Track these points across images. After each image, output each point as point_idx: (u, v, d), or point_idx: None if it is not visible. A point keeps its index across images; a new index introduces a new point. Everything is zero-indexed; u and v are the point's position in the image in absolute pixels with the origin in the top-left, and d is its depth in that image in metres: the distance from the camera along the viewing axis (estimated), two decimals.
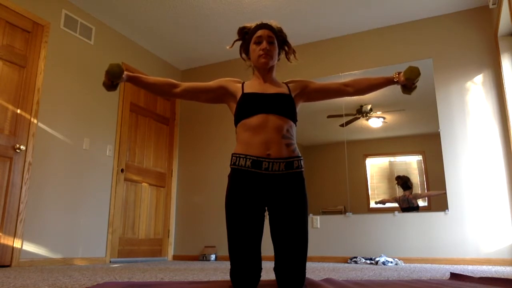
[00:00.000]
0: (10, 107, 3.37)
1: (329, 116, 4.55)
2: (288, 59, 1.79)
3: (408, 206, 4.03)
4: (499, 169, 3.72)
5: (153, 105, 5.05)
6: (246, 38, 1.74)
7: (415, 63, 4.27)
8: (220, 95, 1.74)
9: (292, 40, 1.81)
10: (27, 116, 3.49)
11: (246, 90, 1.67)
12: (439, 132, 4.02)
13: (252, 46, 1.70)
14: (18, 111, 3.42)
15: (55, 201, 3.66)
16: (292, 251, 1.51)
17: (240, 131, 1.62)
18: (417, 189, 4.08)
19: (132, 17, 4.35)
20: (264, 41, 1.66)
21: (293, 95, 1.70)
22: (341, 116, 4.50)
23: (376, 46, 4.52)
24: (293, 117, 1.64)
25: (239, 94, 1.68)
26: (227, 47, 1.83)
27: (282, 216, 1.54)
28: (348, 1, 4.05)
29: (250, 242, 1.51)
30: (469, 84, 4.01)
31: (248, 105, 1.60)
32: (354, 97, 4.42)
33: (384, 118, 4.32)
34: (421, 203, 4.04)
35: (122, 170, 4.43)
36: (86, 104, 4.11)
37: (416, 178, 4.12)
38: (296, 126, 1.68)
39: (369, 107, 4.40)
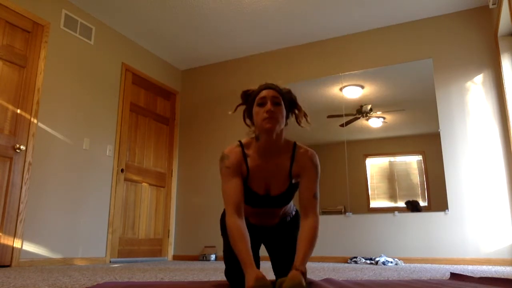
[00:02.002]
0: (10, 107, 3.37)
1: (329, 116, 4.55)
2: (298, 123, 1.57)
3: None
4: (499, 169, 3.72)
5: (153, 105, 5.05)
6: (250, 101, 1.55)
7: (415, 63, 4.28)
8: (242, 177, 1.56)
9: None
10: (27, 116, 3.49)
11: (250, 180, 1.54)
12: (439, 132, 4.02)
13: (256, 109, 1.49)
14: (18, 111, 3.42)
15: (55, 201, 3.66)
16: (287, 259, 1.57)
17: None
18: (417, 189, 4.08)
19: (132, 17, 4.35)
20: (268, 102, 1.46)
21: (293, 175, 1.55)
22: (341, 116, 4.50)
23: (376, 46, 4.52)
24: (291, 200, 1.63)
25: (245, 174, 1.54)
26: (229, 113, 1.61)
27: (277, 246, 1.67)
28: (348, 1, 4.05)
29: None
30: (469, 84, 4.01)
31: (251, 201, 1.57)
32: (354, 97, 4.45)
33: (384, 118, 4.32)
34: (421, 203, 4.04)
35: (122, 170, 4.43)
36: (86, 104, 4.11)
37: (416, 178, 4.12)
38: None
39: (369, 107, 4.40)
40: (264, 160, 1.53)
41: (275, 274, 1.66)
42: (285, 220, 1.69)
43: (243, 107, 1.60)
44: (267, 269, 2.61)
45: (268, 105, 1.45)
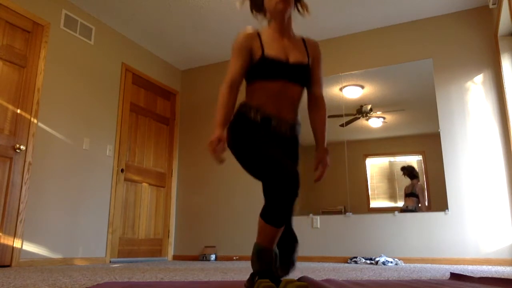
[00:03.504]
0: (10, 107, 3.37)
1: (329, 116, 4.55)
2: (301, 14, 1.77)
3: (411, 192, 4.03)
4: (499, 169, 3.72)
5: (153, 105, 5.05)
6: None
7: (415, 63, 4.28)
8: (250, 58, 1.64)
9: None
10: (27, 116, 3.49)
11: (266, 50, 1.59)
12: (439, 132, 4.02)
13: None
14: (18, 111, 3.42)
15: (55, 201, 3.66)
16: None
17: (255, 89, 1.60)
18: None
19: (132, 17, 4.35)
20: None
21: (310, 56, 1.69)
22: (341, 116, 4.50)
23: (376, 46, 4.51)
24: (308, 85, 1.68)
25: (258, 52, 1.59)
26: (237, 7, 1.80)
27: None
28: (348, 1, 4.05)
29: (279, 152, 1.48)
30: (469, 84, 4.01)
31: (270, 71, 1.57)
32: (354, 97, 4.45)
33: (384, 118, 4.32)
34: (421, 203, 4.03)
35: (122, 170, 4.43)
36: (86, 104, 4.11)
37: None
38: None
39: (369, 107, 4.40)
40: (280, 35, 1.66)
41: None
42: (294, 129, 1.63)
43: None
44: None
45: None
